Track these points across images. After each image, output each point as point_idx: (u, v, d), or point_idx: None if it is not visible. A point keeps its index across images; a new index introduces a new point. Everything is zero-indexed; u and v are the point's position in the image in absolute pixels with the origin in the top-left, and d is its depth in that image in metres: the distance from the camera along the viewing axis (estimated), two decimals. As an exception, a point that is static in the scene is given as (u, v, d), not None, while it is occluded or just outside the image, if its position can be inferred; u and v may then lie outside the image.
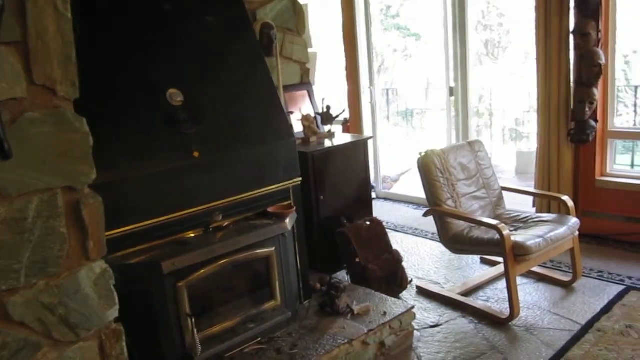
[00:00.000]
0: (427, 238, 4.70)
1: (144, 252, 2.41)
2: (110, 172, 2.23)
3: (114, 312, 1.91)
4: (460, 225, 3.52)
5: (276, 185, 2.93)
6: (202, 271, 2.50)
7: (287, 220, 2.85)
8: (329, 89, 7.20)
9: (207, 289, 2.66)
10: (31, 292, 1.71)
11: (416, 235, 4.80)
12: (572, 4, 4.09)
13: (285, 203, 2.98)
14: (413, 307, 3.07)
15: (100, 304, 1.87)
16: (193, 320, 2.45)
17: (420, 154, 3.66)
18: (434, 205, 3.58)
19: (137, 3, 2.65)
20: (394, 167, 7.19)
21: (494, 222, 3.26)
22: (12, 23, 1.57)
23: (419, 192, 5.60)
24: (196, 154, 2.57)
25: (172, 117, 2.56)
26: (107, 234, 1.98)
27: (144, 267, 2.35)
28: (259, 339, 2.76)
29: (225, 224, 2.72)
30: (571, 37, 4.15)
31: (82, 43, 1.95)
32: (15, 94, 1.60)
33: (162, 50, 2.67)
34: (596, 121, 4.24)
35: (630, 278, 3.67)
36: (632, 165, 5.45)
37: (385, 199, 6.06)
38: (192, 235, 2.60)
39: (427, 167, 3.60)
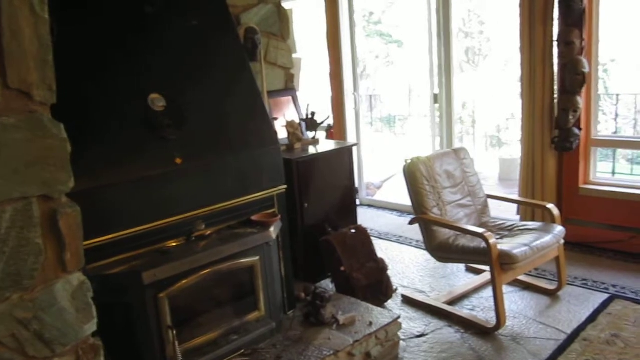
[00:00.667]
0: (411, 245, 4.67)
1: (125, 262, 2.33)
2: (89, 179, 2.15)
3: (91, 327, 1.82)
4: (446, 233, 3.49)
5: (260, 193, 2.87)
6: (184, 281, 2.43)
7: (272, 229, 2.79)
8: (313, 94, 7.18)
9: (189, 300, 2.58)
10: (4, 307, 1.62)
11: (400, 243, 4.77)
12: (556, 13, 4.10)
13: (270, 211, 2.92)
14: (399, 317, 3.02)
15: (78, 318, 1.78)
16: (174, 332, 2.37)
17: (406, 161, 3.63)
18: (419, 213, 3.54)
19: (118, 5, 2.57)
20: (377, 173, 7.16)
21: (480, 230, 3.24)
22: (-15, 23, 1.49)
23: (403, 199, 5.59)
24: (178, 161, 2.51)
25: (154, 123, 2.49)
26: (87, 243, 1.90)
27: (124, 277, 2.27)
28: (243, 350, 2.68)
29: (208, 232, 2.65)
30: (555, 45, 4.16)
31: (61, 46, 1.88)
32: (-13, 98, 1.52)
33: (143, 54, 2.60)
34: (580, 129, 4.25)
35: (614, 286, 3.67)
36: (613, 173, 5.50)
37: (369, 205, 6.03)
38: (174, 244, 2.53)
39: (413, 175, 3.56)
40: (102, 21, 2.50)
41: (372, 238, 3.85)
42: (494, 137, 8.97)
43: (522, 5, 4.28)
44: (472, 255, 3.31)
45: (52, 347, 1.72)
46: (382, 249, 4.54)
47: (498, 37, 10.44)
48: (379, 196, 6.39)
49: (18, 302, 1.64)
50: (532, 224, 3.60)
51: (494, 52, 10.70)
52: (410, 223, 3.61)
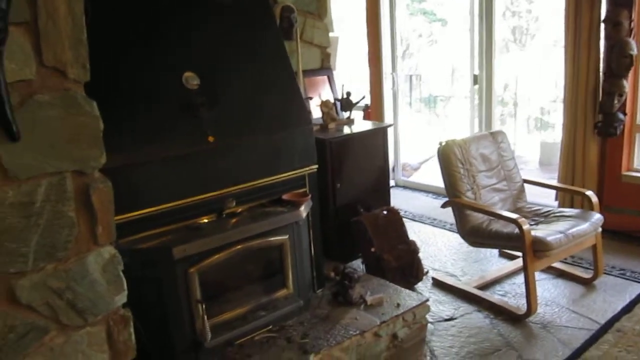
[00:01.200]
0: (445, 229, 4.63)
1: (156, 237, 2.39)
2: (122, 155, 2.21)
3: (122, 298, 1.90)
4: (479, 217, 3.44)
5: (291, 172, 2.89)
6: (214, 257, 2.48)
7: (302, 208, 2.81)
8: (350, 74, 7.12)
9: (219, 276, 2.63)
10: (39, 276, 1.70)
11: (434, 226, 4.73)
12: (604, -8, 3.95)
13: (301, 190, 2.93)
14: (427, 300, 3.01)
15: (109, 290, 1.85)
16: (203, 306, 2.43)
17: (440, 143, 3.59)
18: (453, 196, 3.51)
19: (155, -17, 2.60)
20: (416, 154, 7.08)
21: (513, 215, 3.18)
22: (22, 3, 1.54)
23: (439, 181, 5.54)
24: (211, 139, 2.54)
25: (188, 101, 2.52)
26: (119, 217, 1.97)
27: (155, 252, 2.33)
28: (270, 327, 2.73)
29: (239, 210, 2.69)
30: (602, 26, 4.00)
31: (96, 24, 1.92)
32: (24, 75, 1.57)
33: (178, 33, 2.63)
34: (624, 114, 4.10)
35: (654, 277, 3.57)
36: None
37: (404, 187, 5.99)
38: (205, 220, 2.58)
39: (447, 157, 3.52)
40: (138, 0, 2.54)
41: (406, 220, 3.84)
42: (537, 119, 8.73)
43: (568, -16, 4.13)
44: (505, 241, 3.27)
45: (84, 316, 1.80)
46: (415, 231, 4.52)
47: (546, 16, 10.10)
48: (415, 177, 6.34)
49: (52, 272, 1.72)
50: (569, 211, 3.52)
51: (541, 31, 10.37)
52: (443, 206, 3.58)
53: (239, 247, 2.56)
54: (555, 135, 7.78)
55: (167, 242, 2.36)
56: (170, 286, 2.37)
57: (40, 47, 1.59)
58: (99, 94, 1.78)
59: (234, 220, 2.62)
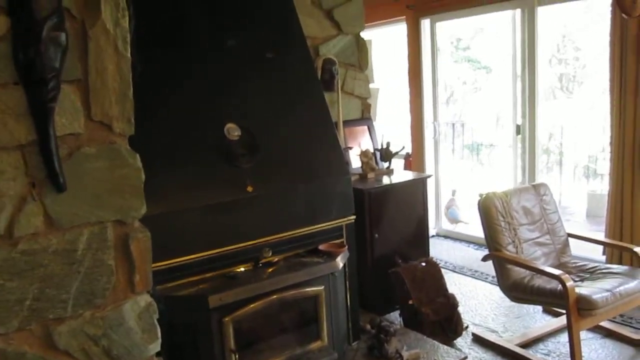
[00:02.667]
0: (486, 281, 4.52)
1: (192, 285, 2.43)
2: (163, 203, 2.27)
3: (155, 347, 1.91)
4: (520, 272, 3.35)
5: (329, 223, 2.90)
6: (249, 307, 2.49)
7: (338, 259, 2.81)
8: (391, 124, 7.16)
9: (253, 325, 2.64)
10: (77, 322, 1.74)
11: (475, 278, 4.62)
12: (650, 43, 3.89)
13: (338, 241, 2.94)
14: (466, 357, 2.93)
15: (143, 338, 1.88)
16: (237, 356, 2.43)
17: (480, 195, 3.54)
18: (493, 249, 3.43)
19: (202, 38, 2.72)
20: (460, 204, 6.97)
21: (557, 272, 3.08)
22: (75, 62, 1.63)
23: (481, 232, 5.44)
24: (250, 189, 2.59)
25: (229, 151, 2.59)
26: (157, 264, 2.01)
27: (190, 300, 2.36)
28: (304, 379, 2.70)
29: (276, 259, 2.71)
30: (649, 76, 3.94)
31: (144, 78, 2.01)
32: (73, 129, 1.65)
33: (221, 85, 2.72)
34: (675, 167, 3.97)
35: None
36: None
37: (446, 236, 5.90)
38: (242, 269, 2.60)
39: (488, 210, 3.46)
40: (185, 53, 2.65)
41: (446, 271, 3.78)
42: (585, 167, 8.52)
43: (613, 35, 4.10)
44: (548, 298, 3.15)
45: (117, 364, 1.82)
46: (456, 283, 4.42)
47: (594, 64, 9.99)
48: (457, 227, 6.23)
49: (90, 319, 1.76)
50: (616, 267, 3.38)
51: (589, 78, 10.24)
52: (484, 260, 3.50)
53: (274, 297, 2.56)
54: (604, 185, 7.56)
55: (203, 290, 2.39)
56: (205, 334, 2.38)
57: (90, 103, 1.68)
58: (144, 144, 1.86)
59: (269, 269, 2.64)
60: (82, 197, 1.68)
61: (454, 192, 6.25)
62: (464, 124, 10.20)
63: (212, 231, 2.47)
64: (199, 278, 2.45)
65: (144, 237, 1.84)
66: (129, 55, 1.73)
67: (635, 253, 3.37)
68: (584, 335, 3.24)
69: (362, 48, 3.93)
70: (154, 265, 1.91)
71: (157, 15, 2.57)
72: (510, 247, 3.43)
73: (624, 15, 3.93)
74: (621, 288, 3.06)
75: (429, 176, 3.99)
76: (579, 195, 7.59)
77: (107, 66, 1.69)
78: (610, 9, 4.11)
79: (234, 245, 2.54)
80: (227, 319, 2.42)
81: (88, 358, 1.76)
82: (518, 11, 4.91)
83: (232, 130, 2.65)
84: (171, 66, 2.59)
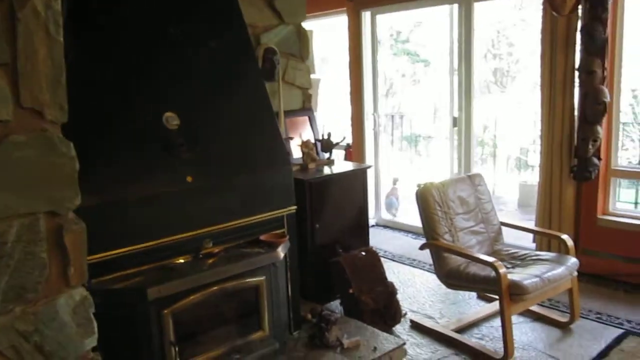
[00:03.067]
0: (424, 269, 4.64)
1: (131, 278, 2.37)
2: (99, 194, 2.20)
3: (92, 341, 1.86)
4: (456, 260, 3.46)
5: (270, 213, 2.90)
6: (189, 299, 2.45)
7: (279, 249, 2.81)
8: (332, 115, 7.20)
9: (193, 317, 2.60)
10: (6, 319, 1.66)
11: (413, 266, 4.74)
12: (577, 41, 4.08)
13: (279, 231, 2.94)
14: (404, 343, 3.00)
15: (78, 333, 1.82)
16: (177, 348, 2.39)
17: (418, 185, 3.62)
18: (431, 238, 3.53)
19: (138, 25, 2.64)
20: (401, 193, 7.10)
21: (490, 259, 3.20)
22: (2, 45, 1.55)
23: (418, 221, 5.56)
24: (189, 179, 2.55)
25: (167, 141, 2.54)
26: (94, 257, 1.94)
27: (128, 292, 2.31)
28: (245, 369, 2.69)
29: (216, 250, 2.68)
30: (576, 73, 4.13)
31: (77, 65, 1.94)
32: (0, 116, 1.57)
33: (160, 74, 2.66)
34: (599, 159, 4.19)
35: (629, 322, 3.59)
36: (636, 204, 5.40)
37: (385, 226, 6.01)
38: (181, 261, 2.56)
39: (425, 200, 3.55)
40: (122, 41, 2.57)
41: (385, 260, 3.85)
42: (517, 159, 8.87)
43: (543, 32, 4.27)
44: (482, 284, 3.28)
45: (50, 361, 1.76)
46: (394, 272, 4.52)
47: (526, 59, 10.39)
48: (396, 217, 6.35)
49: (20, 315, 1.68)
50: (545, 254, 3.55)
51: (521, 74, 10.64)
52: (421, 248, 3.59)
53: (215, 288, 2.54)
54: (534, 176, 7.89)
55: (141, 283, 2.34)
56: (144, 328, 2.33)
57: (19, 88, 1.60)
58: (78, 133, 1.79)
59: (210, 261, 2.61)
60: (11, 188, 1.60)
61: (395, 181, 6.36)
62: (402, 115, 10.40)
63: (150, 222, 2.42)
64: (137, 270, 2.39)
65: (78, 229, 1.78)
66: (61, 39, 1.66)
67: (563, 240, 3.54)
68: (515, 319, 3.38)
69: (303, 38, 3.92)
70: (90, 257, 1.85)
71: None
72: (447, 236, 3.53)
73: (554, 13, 4.10)
74: (549, 274, 3.21)
75: (369, 167, 4.04)
76: (511, 186, 7.90)
77: (38, 50, 1.62)
78: (541, 6, 4.27)
79: (173, 237, 2.50)
80: (166, 311, 2.38)
81: (19, 355, 1.69)
82: (455, 6, 5.02)
83: (171, 120, 2.59)
84: (108, 53, 2.50)
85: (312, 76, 4.12)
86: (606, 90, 4.02)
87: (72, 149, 1.74)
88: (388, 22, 10.22)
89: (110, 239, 2.28)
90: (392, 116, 9.75)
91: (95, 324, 1.86)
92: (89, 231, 1.82)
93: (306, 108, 4.05)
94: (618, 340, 3.36)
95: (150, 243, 2.42)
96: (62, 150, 1.71)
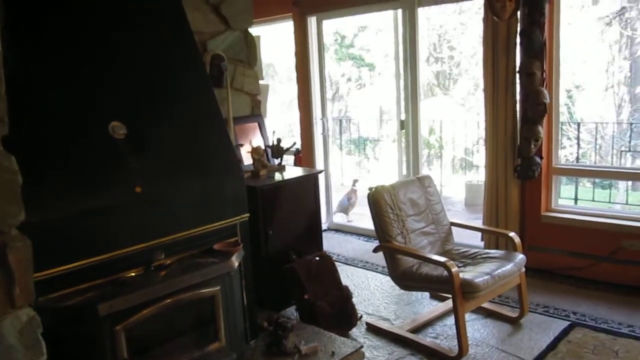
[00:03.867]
0: (377, 272, 4.68)
1: (80, 294, 2.28)
2: (44, 209, 2.11)
3: (41, 363, 1.77)
4: (409, 261, 3.51)
5: (222, 222, 2.86)
6: (142, 313, 2.38)
7: (234, 258, 2.77)
8: (281, 120, 7.18)
9: (148, 331, 2.53)
10: (-54, 345, 1.57)
11: (366, 269, 4.77)
12: (517, 44, 4.22)
13: (232, 240, 2.90)
14: (362, 347, 3.01)
15: (26, 355, 1.73)
16: (131, 365, 2.32)
17: (370, 189, 3.65)
18: (383, 240, 3.56)
19: (80, 32, 2.55)
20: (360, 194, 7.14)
21: (442, 259, 3.26)
22: None
23: (370, 224, 5.61)
24: (138, 189, 2.48)
25: (114, 151, 2.46)
26: (41, 274, 1.86)
27: (79, 309, 2.22)
28: (202, 382, 2.64)
29: (168, 262, 2.62)
30: (517, 75, 4.26)
31: (18, 74, 1.86)
32: (-64, 130, 1.49)
33: (105, 82, 2.58)
34: (541, 158, 4.35)
35: (574, 313, 3.73)
36: (576, 200, 5.62)
37: (337, 230, 6.04)
38: (133, 274, 2.49)
39: (377, 203, 3.59)
40: (62, 50, 2.48)
41: (339, 264, 3.86)
42: (463, 159, 9.09)
43: (485, 36, 4.39)
44: (435, 284, 3.33)
45: (-3, 387, 1.67)
46: (348, 275, 4.54)
47: (467, 62, 10.68)
48: (348, 221, 6.39)
49: (-38, 340, 1.59)
50: (494, 252, 3.64)
51: (463, 77, 10.93)
52: (375, 251, 3.62)
53: (168, 301, 2.48)
54: (479, 176, 8.12)
55: (91, 299, 2.25)
56: (96, 345, 2.25)
57: (-47, 101, 1.52)
58: (19, 146, 1.71)
59: (162, 273, 2.54)
60: (-52, 205, 1.52)
61: (355, 182, 6.39)
62: (350, 119, 10.49)
63: (99, 236, 2.33)
64: (87, 286, 2.31)
65: (23, 246, 1.70)
66: (-1, 48, 1.59)
67: (511, 238, 3.65)
68: (467, 317, 3.46)
69: (250, 44, 3.89)
70: (36, 275, 1.77)
71: (34, 7, 2.37)
72: (399, 238, 3.58)
73: (495, 18, 4.23)
74: (499, 271, 3.30)
75: (321, 171, 4.05)
76: (457, 186, 8.09)
77: (-25, 60, 1.54)
78: (481, 11, 4.40)
79: (123, 250, 2.42)
80: (118, 327, 2.30)
81: (-39, 383, 1.60)
82: (400, 11, 5.11)
83: (118, 129, 2.52)
84: (49, 62, 2.40)
85: (261, 82, 4.10)
86: (546, 92, 4.17)
87: (14, 163, 1.66)
88: (333, 27, 10.31)
89: (56, 255, 2.19)
90: (341, 120, 9.82)
91: (44, 345, 1.78)
92: (34, 247, 1.74)
93: (255, 114, 4.02)
94: (565, 331, 3.48)
95: (100, 257, 2.34)
96: (3, 164, 1.63)
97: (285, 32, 6.23)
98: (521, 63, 4.22)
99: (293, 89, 6.09)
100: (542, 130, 4.26)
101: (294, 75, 6.03)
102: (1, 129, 1.63)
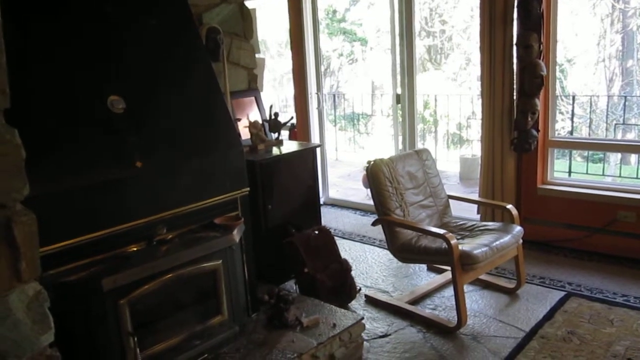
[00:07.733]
0: (374, 245, 4.71)
1: (84, 269, 2.27)
2: (47, 183, 2.09)
3: (49, 337, 1.77)
4: (408, 234, 3.52)
5: (223, 196, 2.84)
6: (145, 287, 2.38)
7: (235, 232, 2.77)
8: (277, 94, 7.13)
9: (151, 305, 2.53)
10: (-46, 319, 1.56)
11: (364, 243, 4.80)
12: (515, 16, 4.19)
13: (233, 214, 2.89)
14: (362, 318, 3.04)
15: (34, 329, 1.73)
16: (135, 339, 2.33)
17: (368, 162, 3.65)
18: (382, 214, 3.57)
19: (76, 5, 2.50)
20: (340, 171, 7.18)
21: (441, 231, 3.28)
22: None
23: (365, 199, 5.64)
24: (139, 164, 2.46)
25: (113, 126, 2.43)
26: (44, 249, 1.85)
27: (83, 284, 2.21)
28: (205, 355, 2.66)
29: (170, 236, 2.61)
30: (514, 48, 4.24)
31: (15, 48, 1.82)
32: (-63, 103, 1.46)
33: (103, 56, 2.53)
34: (538, 131, 4.35)
35: (570, 284, 3.78)
36: (570, 172, 5.65)
37: (333, 205, 6.05)
38: (135, 249, 2.48)
39: (376, 176, 3.59)
40: (60, 23, 2.43)
41: (336, 238, 3.87)
42: (455, 134, 9.10)
43: (482, 7, 4.35)
44: (434, 256, 3.36)
45: (6, 360, 1.67)
46: (346, 249, 4.56)
47: (459, 36, 10.62)
48: (343, 195, 6.41)
49: (-30, 314, 1.59)
50: (492, 224, 3.67)
51: (455, 51, 10.88)
52: (374, 224, 3.63)
53: (171, 275, 2.48)
54: (473, 150, 8.13)
55: (95, 274, 2.25)
56: (100, 319, 2.25)
57: (-46, 73, 1.48)
58: (19, 120, 1.68)
59: (164, 247, 2.54)
60: (-48, 180, 1.50)
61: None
62: (343, 94, 10.44)
63: (101, 211, 2.32)
64: (90, 261, 2.30)
65: (28, 220, 1.68)
66: (-1, 18, 1.55)
67: (508, 210, 3.67)
68: (465, 288, 3.48)
69: (246, 17, 3.84)
70: (41, 249, 1.76)
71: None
72: (398, 211, 3.59)
73: (492, -12, 4.18)
74: (497, 243, 3.33)
75: (319, 146, 4.04)
76: (451, 160, 8.11)
77: (-26, 31, 1.50)
78: (479, -18, 4.36)
79: (125, 224, 2.40)
80: (122, 301, 2.30)
81: (-29, 357, 1.60)
82: (395, -17, 5.05)
83: (116, 103, 2.48)
84: (46, 35, 2.35)
85: (257, 56, 4.06)
86: (543, 65, 4.16)
87: (17, 136, 1.63)
88: (324, 1, 10.19)
89: (60, 230, 2.18)
90: (334, 95, 9.77)
91: (51, 319, 1.78)
92: (39, 222, 1.73)
93: (252, 88, 3.99)
94: (561, 302, 3.53)
95: (102, 232, 2.33)
96: (6, 137, 1.60)
97: (275, 7, 6.15)
98: (518, 36, 4.19)
99: (284, 64, 6.02)
100: (539, 103, 4.26)
101: (284, 50, 5.97)
102: (3, 101, 1.60)
